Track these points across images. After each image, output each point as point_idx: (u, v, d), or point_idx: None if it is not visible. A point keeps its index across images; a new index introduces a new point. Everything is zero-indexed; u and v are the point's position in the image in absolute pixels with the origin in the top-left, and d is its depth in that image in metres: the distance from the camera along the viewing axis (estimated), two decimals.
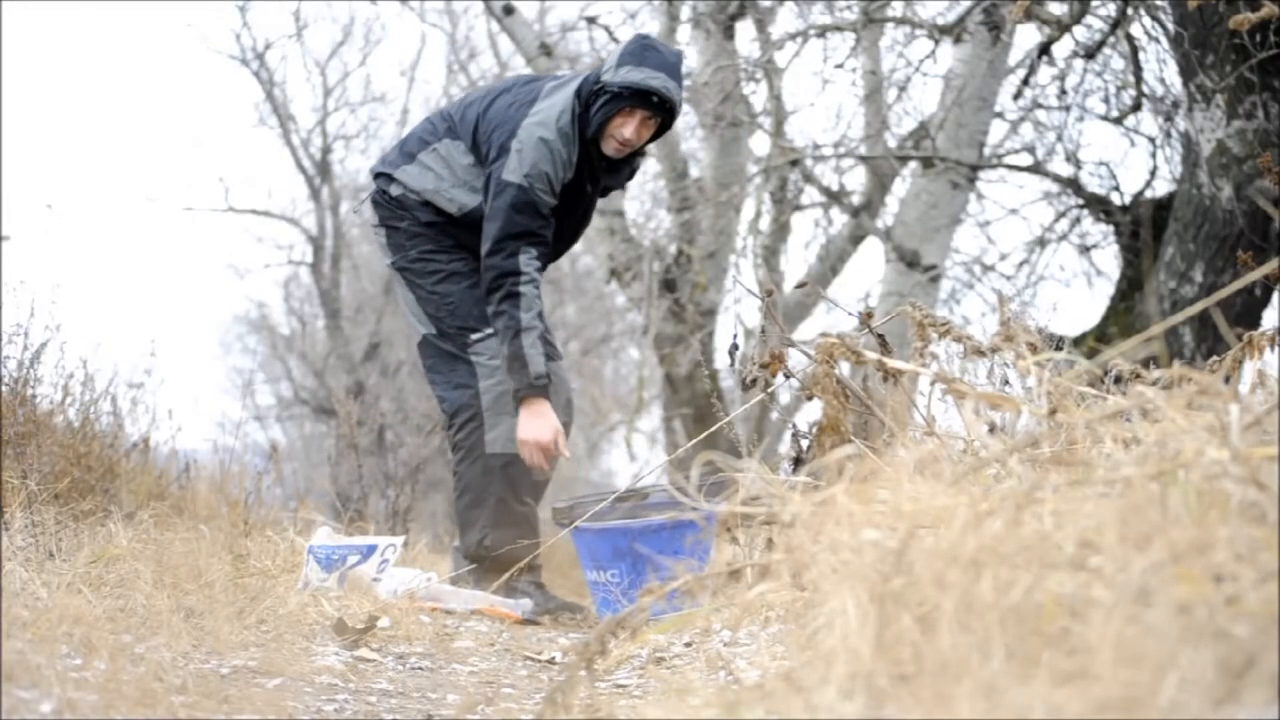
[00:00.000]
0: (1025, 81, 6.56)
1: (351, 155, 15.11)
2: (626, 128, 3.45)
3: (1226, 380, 2.08)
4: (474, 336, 3.56)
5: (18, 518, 2.81)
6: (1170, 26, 5.04)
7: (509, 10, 7.03)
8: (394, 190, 3.66)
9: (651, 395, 10.29)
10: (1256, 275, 1.82)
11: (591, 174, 3.60)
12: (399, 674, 2.38)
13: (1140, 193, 6.28)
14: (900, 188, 7.15)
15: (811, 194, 7.76)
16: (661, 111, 3.46)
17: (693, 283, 7.54)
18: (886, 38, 6.99)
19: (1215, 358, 2.31)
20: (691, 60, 7.68)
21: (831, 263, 7.92)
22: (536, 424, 3.44)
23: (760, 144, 7.74)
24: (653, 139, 3.60)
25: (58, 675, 1.68)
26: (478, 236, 3.53)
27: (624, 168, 3.68)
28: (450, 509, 12.85)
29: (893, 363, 2.16)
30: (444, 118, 3.73)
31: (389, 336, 13.84)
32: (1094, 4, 6.09)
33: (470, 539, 3.54)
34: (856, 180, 7.62)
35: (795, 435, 2.97)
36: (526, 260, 3.47)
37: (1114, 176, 6.50)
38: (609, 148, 3.50)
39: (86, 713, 1.59)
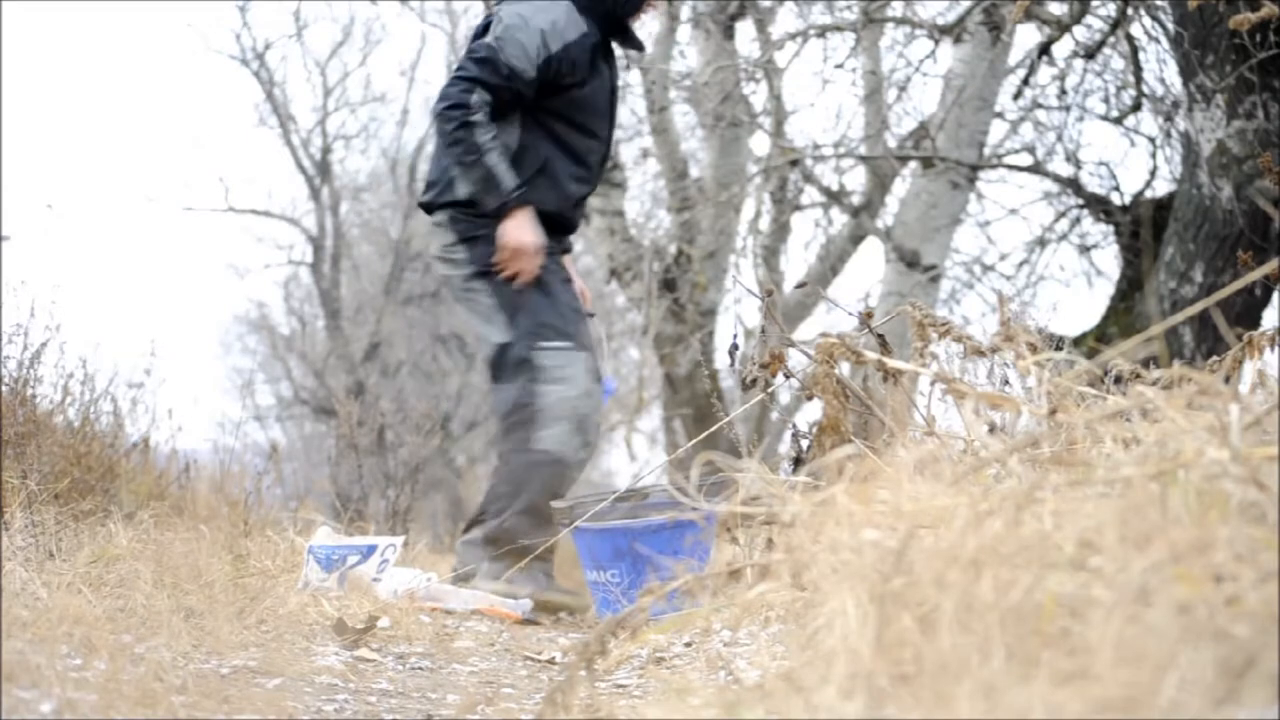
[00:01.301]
0: (1025, 81, 6.56)
1: (351, 155, 15.12)
2: None
3: (1226, 380, 2.08)
4: (544, 344, 3.58)
5: (18, 518, 2.81)
6: (1170, 26, 5.04)
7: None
8: (462, 191, 3.62)
9: (651, 395, 10.30)
10: (1256, 275, 1.82)
11: (611, 69, 3.77)
12: (399, 674, 2.38)
13: (1140, 193, 6.28)
14: (900, 188, 7.15)
15: (811, 194, 7.76)
16: None
17: (693, 283, 7.54)
18: (886, 38, 7.00)
19: (1215, 358, 2.31)
20: (691, 60, 7.69)
21: (831, 263, 7.92)
22: (520, 231, 3.53)
23: (760, 144, 7.75)
24: None
25: (58, 675, 1.68)
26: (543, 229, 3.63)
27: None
28: (450, 509, 12.82)
29: (893, 363, 2.16)
30: None
31: (389, 336, 13.86)
32: (1094, 4, 6.09)
33: (494, 522, 3.54)
34: (856, 180, 7.63)
35: (795, 435, 2.97)
36: (479, 100, 3.51)
37: (1114, 176, 6.50)
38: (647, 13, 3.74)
39: (86, 713, 1.59)
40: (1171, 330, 4.88)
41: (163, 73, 31.21)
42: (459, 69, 3.61)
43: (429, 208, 3.73)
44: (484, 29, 3.69)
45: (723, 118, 7.09)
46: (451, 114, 3.53)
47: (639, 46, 3.95)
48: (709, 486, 2.67)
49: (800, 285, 7.35)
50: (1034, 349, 1.91)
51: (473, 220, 3.62)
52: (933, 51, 6.55)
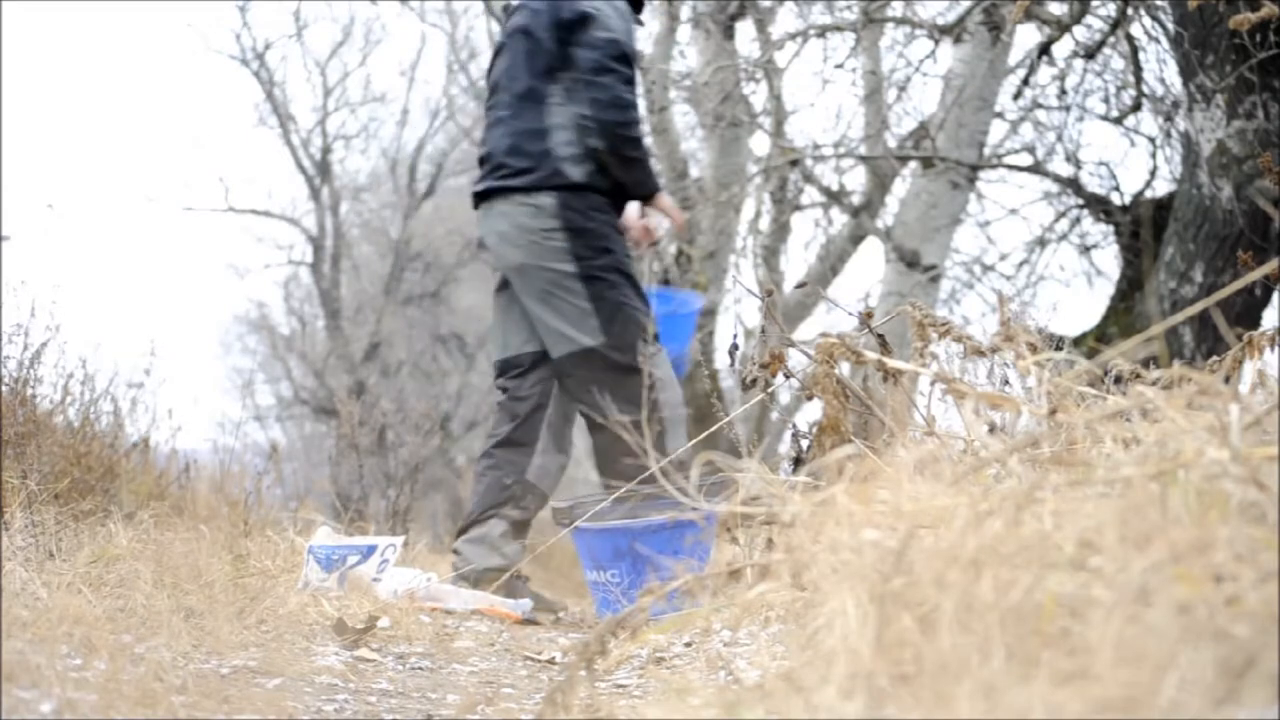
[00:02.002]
0: (1025, 81, 6.56)
1: (351, 155, 15.15)
2: None
3: (1226, 380, 2.08)
4: (648, 348, 3.57)
5: (18, 518, 2.81)
6: (1170, 26, 5.04)
7: (509, 10, 7.01)
8: (575, 173, 3.63)
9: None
10: (1256, 275, 1.82)
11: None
12: (399, 674, 2.38)
13: (1140, 193, 6.28)
14: (900, 188, 7.15)
15: (811, 194, 7.76)
16: None
17: (693, 283, 7.54)
18: (886, 38, 7.00)
19: (1215, 358, 2.31)
20: (691, 60, 7.69)
21: (831, 263, 7.92)
22: (672, 205, 3.87)
23: (760, 144, 7.75)
24: None
25: (58, 675, 1.68)
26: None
27: None
28: (450, 509, 12.82)
29: (893, 363, 2.16)
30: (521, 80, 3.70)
31: (389, 336, 13.86)
32: (1094, 4, 6.08)
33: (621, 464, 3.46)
34: (856, 180, 7.63)
35: (795, 435, 2.97)
36: (632, 96, 3.68)
37: (1114, 176, 6.50)
38: None
39: (86, 713, 1.59)
40: (1171, 330, 4.88)
41: (163, 73, 31.23)
42: (605, 64, 3.60)
43: (526, 188, 3.63)
44: (556, 17, 3.66)
45: (723, 118, 7.09)
46: (628, 113, 3.62)
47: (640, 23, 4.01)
48: (709, 486, 2.67)
49: (800, 285, 7.36)
50: (1034, 349, 1.90)
51: (583, 212, 3.62)
52: (933, 51, 6.56)
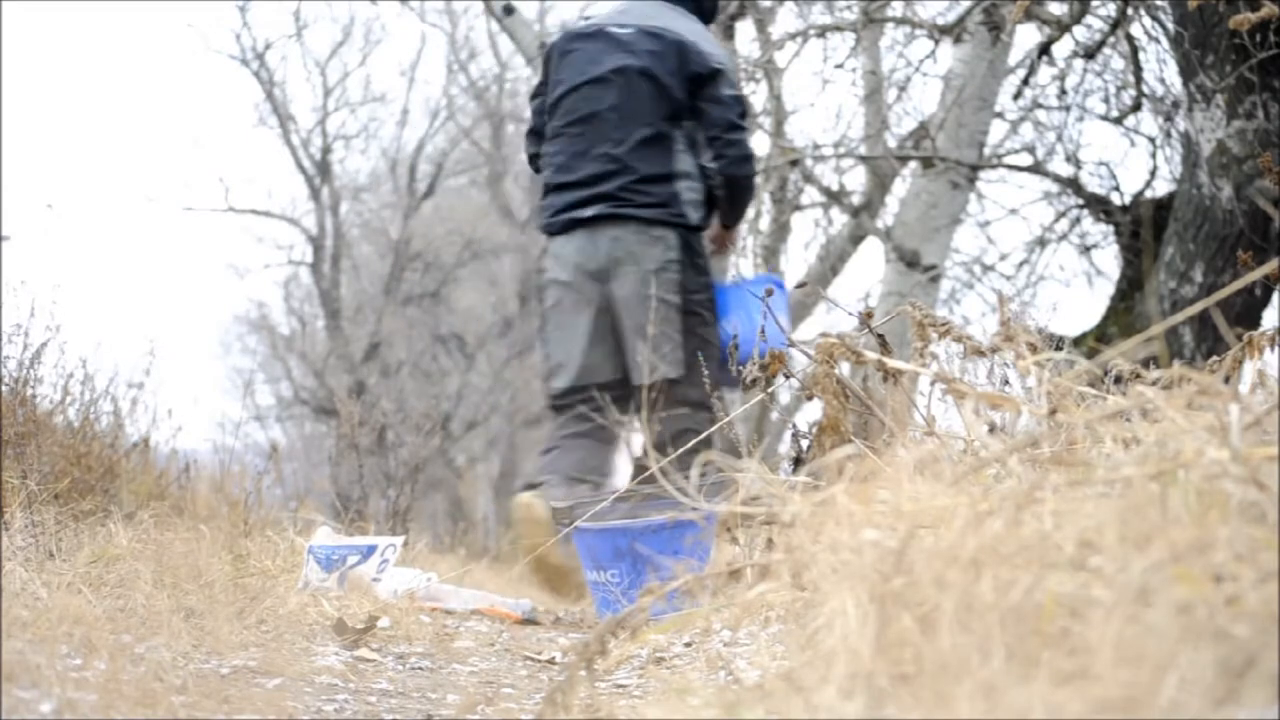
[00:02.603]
0: (1025, 81, 6.56)
1: (351, 155, 15.16)
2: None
3: (1226, 380, 2.08)
4: (726, 393, 3.70)
5: (18, 518, 2.81)
6: (1170, 26, 5.04)
7: (509, 10, 7.03)
8: (695, 217, 3.87)
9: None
10: (1256, 275, 1.82)
11: None
12: (399, 674, 2.38)
13: (1140, 193, 6.28)
14: (900, 188, 7.14)
15: (811, 194, 7.76)
16: None
17: None
18: (886, 38, 7.00)
19: (1215, 358, 2.31)
20: None
21: (831, 263, 7.92)
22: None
23: (760, 144, 7.74)
24: None
25: (58, 675, 1.68)
26: None
27: None
28: (450, 509, 12.77)
29: (893, 363, 2.16)
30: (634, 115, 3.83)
31: (389, 336, 13.86)
32: (1094, 4, 6.08)
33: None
34: (856, 180, 7.63)
35: (795, 435, 2.97)
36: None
37: (1114, 176, 6.50)
38: None
39: (86, 713, 1.59)
40: (1171, 330, 4.88)
41: (163, 73, 31.23)
42: (741, 123, 3.86)
43: (650, 220, 3.77)
44: (677, 43, 3.83)
45: None
46: (752, 166, 3.95)
47: None
48: (709, 486, 2.67)
49: (800, 285, 7.36)
50: (1034, 349, 1.90)
51: (697, 250, 3.85)
52: (933, 51, 6.56)
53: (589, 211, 3.79)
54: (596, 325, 3.83)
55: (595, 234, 3.80)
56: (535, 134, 4.06)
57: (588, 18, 4.29)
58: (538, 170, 4.05)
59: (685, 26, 3.87)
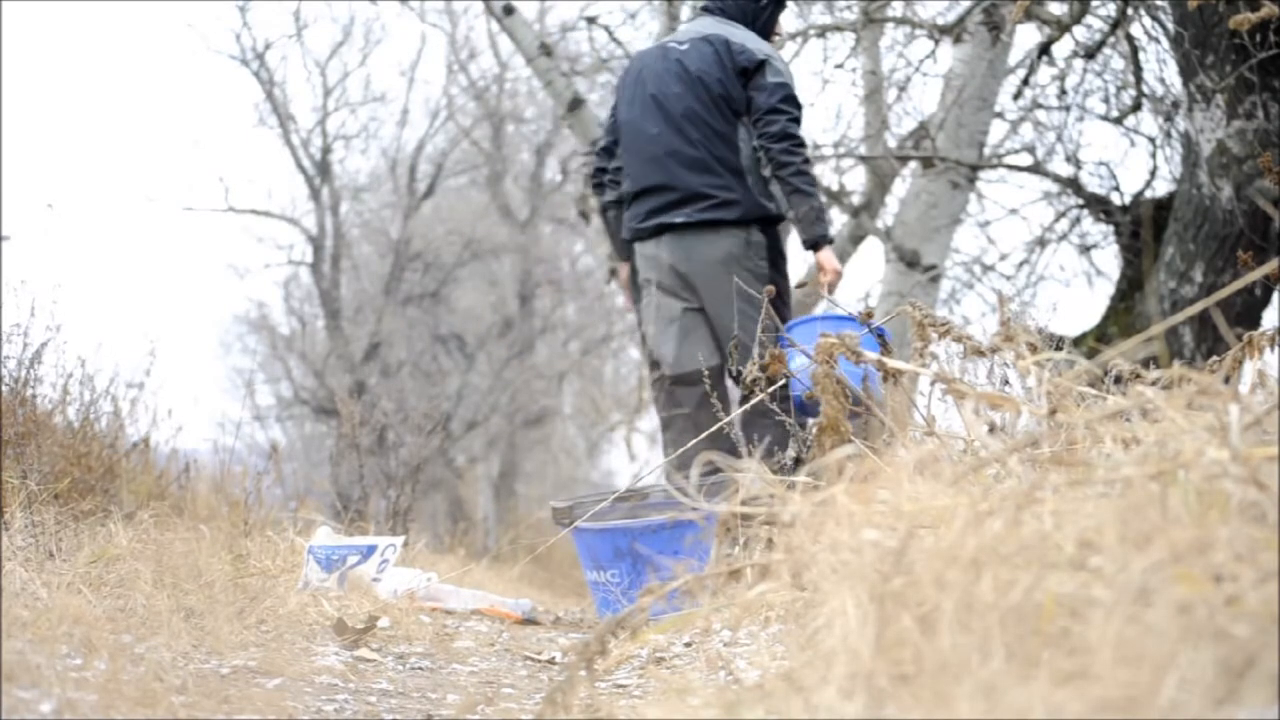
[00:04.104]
0: (1025, 81, 6.56)
1: (351, 155, 15.13)
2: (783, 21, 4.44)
3: (1226, 380, 2.08)
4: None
5: (18, 518, 2.81)
6: (1170, 26, 5.04)
7: (509, 10, 7.03)
8: (771, 206, 4.04)
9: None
10: (1256, 275, 1.82)
11: None
12: (399, 674, 2.38)
13: (1140, 193, 6.28)
14: (900, 188, 7.14)
15: None
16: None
17: None
18: (886, 38, 7.00)
19: (1215, 358, 2.31)
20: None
21: None
22: (835, 259, 4.10)
23: None
24: None
25: (58, 675, 1.68)
26: None
27: None
28: (450, 509, 12.77)
29: (893, 363, 2.16)
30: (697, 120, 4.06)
31: (389, 336, 13.85)
32: (1094, 4, 6.08)
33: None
34: (856, 180, 7.63)
35: (795, 435, 2.97)
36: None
37: (1114, 176, 6.51)
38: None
39: (86, 713, 1.59)
40: (1171, 330, 4.88)
41: (163, 73, 31.22)
42: (783, 106, 4.02)
43: (738, 221, 4.00)
44: (724, 44, 4.08)
45: None
46: (800, 148, 4.01)
47: None
48: (709, 486, 2.67)
49: (800, 285, 7.35)
50: (1034, 349, 1.90)
51: (779, 243, 4.12)
52: (933, 51, 6.56)
53: (678, 218, 4.04)
54: (695, 320, 4.10)
55: (680, 238, 4.06)
56: (605, 151, 4.33)
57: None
58: (600, 187, 4.34)
59: (731, 31, 4.16)
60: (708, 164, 4.02)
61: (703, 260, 4.03)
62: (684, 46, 4.16)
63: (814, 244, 4.01)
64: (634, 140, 4.15)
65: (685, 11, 7.66)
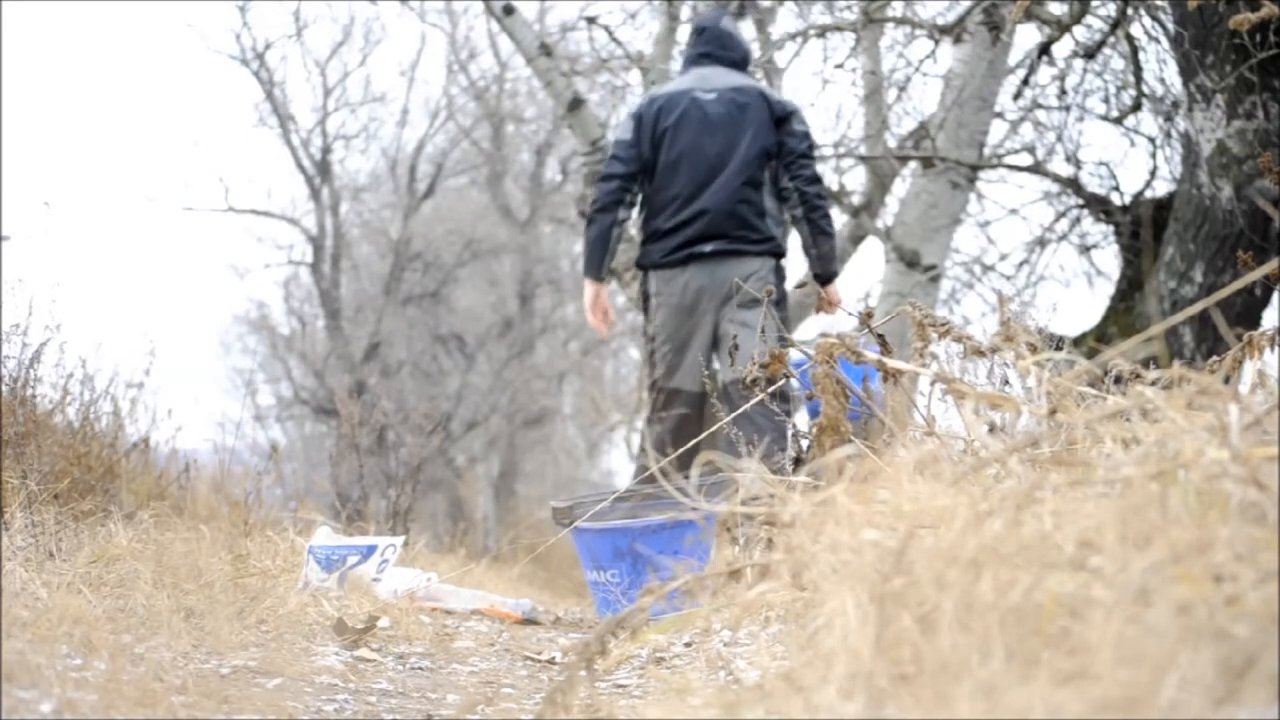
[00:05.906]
0: (1025, 81, 6.56)
1: (351, 155, 15.11)
2: None
3: (1226, 380, 2.07)
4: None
5: (18, 518, 2.81)
6: (1170, 26, 5.04)
7: (509, 10, 7.03)
8: (785, 244, 4.52)
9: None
10: (1256, 275, 1.82)
11: None
12: (399, 674, 2.38)
13: (1140, 193, 6.28)
14: (900, 188, 7.14)
15: None
16: None
17: None
18: (886, 38, 6.99)
19: (1215, 358, 2.31)
20: None
21: None
22: (837, 294, 4.61)
23: None
24: None
25: (58, 675, 1.68)
26: None
27: None
28: (450, 509, 12.76)
29: (893, 363, 2.16)
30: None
31: (389, 336, 13.84)
32: (1094, 4, 6.08)
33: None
34: (856, 180, 7.63)
35: (795, 435, 2.97)
36: None
37: (1114, 176, 6.50)
38: None
39: (86, 713, 1.59)
40: (1171, 330, 4.88)
41: (163, 73, 31.21)
42: (812, 154, 4.49)
43: (760, 253, 4.40)
44: (762, 96, 4.50)
45: None
46: (822, 187, 4.50)
47: None
48: (709, 486, 2.67)
49: (800, 285, 7.35)
50: (1034, 349, 1.90)
51: (784, 278, 4.53)
52: (933, 51, 6.56)
53: (710, 247, 4.40)
54: (702, 340, 4.45)
55: (719, 263, 4.41)
56: (631, 177, 4.55)
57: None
58: (619, 205, 4.55)
59: (759, 84, 4.63)
60: (738, 203, 4.42)
61: (726, 278, 4.39)
62: (712, 96, 4.51)
63: (829, 278, 4.50)
64: (670, 179, 4.48)
65: (685, 11, 7.66)
